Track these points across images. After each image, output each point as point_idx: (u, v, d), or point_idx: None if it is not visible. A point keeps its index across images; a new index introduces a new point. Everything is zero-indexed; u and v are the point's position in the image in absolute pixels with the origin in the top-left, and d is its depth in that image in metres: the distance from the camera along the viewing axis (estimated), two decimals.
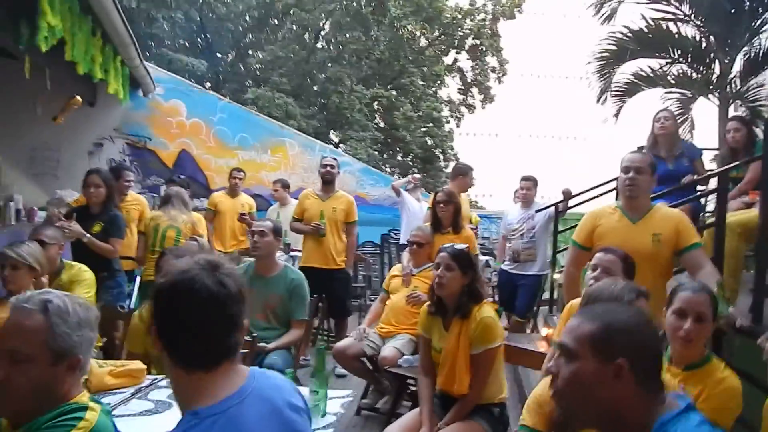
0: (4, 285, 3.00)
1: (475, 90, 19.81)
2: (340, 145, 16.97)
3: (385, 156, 18.76)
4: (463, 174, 5.80)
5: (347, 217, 5.36)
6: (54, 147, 7.39)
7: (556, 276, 5.59)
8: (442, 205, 4.51)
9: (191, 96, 7.90)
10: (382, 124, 18.30)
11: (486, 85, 19.49)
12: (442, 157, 18.74)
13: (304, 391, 2.11)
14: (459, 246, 2.83)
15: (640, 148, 4.56)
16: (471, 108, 19.96)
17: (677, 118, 4.63)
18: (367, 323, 4.31)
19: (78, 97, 6.15)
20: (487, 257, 6.51)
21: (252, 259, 4.02)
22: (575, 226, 6.16)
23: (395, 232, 8.29)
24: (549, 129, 33.27)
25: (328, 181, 5.35)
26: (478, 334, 2.61)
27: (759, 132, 4.35)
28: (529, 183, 5.76)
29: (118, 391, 2.37)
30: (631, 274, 2.53)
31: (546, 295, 6.07)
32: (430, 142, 17.80)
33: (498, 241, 6.25)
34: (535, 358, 3.09)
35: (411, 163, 18.99)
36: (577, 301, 2.58)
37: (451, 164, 19.35)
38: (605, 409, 1.24)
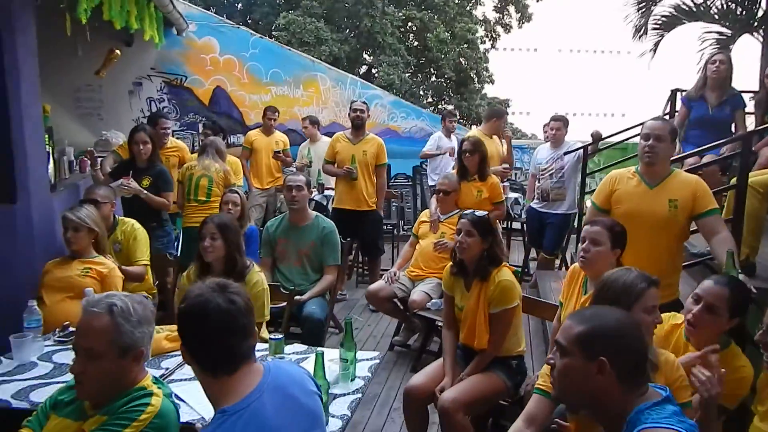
0: (68, 246, 3.32)
1: (512, 8, 19.06)
2: (372, 69, 16.79)
3: (418, 79, 18.49)
4: (497, 117, 5.86)
5: (377, 159, 5.53)
6: (96, 88, 7.62)
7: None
8: (468, 154, 4.63)
9: (223, 32, 7.94)
10: (415, 46, 17.92)
11: (523, 3, 18.71)
12: (476, 79, 18.36)
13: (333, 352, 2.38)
14: (479, 213, 2.99)
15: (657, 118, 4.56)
16: (507, 27, 19.29)
17: (731, 59, 4.50)
18: (397, 267, 4.56)
19: (117, 51, 6.32)
20: (516, 194, 6.62)
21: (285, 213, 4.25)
22: (603, 168, 6.27)
23: (427, 164, 8.44)
24: (590, 43, 31.96)
25: (358, 126, 5.49)
26: (497, 296, 2.82)
27: None
28: (559, 123, 5.78)
29: (174, 354, 2.64)
30: (620, 242, 2.62)
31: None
32: (464, 64, 17.40)
33: (528, 179, 6.35)
34: (548, 309, 3.29)
35: (445, 85, 18.71)
36: (577, 267, 2.75)
37: (487, 86, 19.02)
38: (589, 397, 1.48)
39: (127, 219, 3.99)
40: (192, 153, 5.69)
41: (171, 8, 6.03)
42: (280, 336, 2.63)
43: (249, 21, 17.70)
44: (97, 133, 7.12)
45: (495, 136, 5.81)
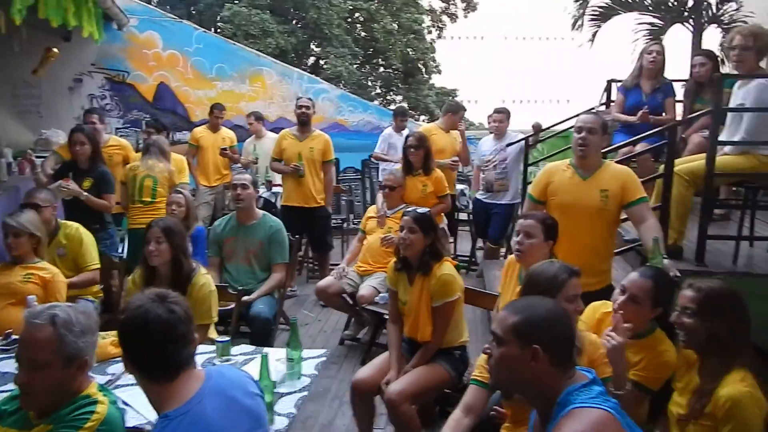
0: (9, 252, 3.26)
1: None
2: (321, 61, 16.71)
3: (366, 70, 18.51)
4: (452, 112, 5.96)
5: (324, 156, 5.56)
6: (35, 84, 7.37)
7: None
8: (412, 149, 4.72)
9: (166, 27, 7.79)
10: (362, 38, 17.92)
11: None
12: (424, 70, 18.52)
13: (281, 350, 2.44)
14: (421, 210, 3.08)
15: (590, 110, 4.78)
16: (453, 17, 19.50)
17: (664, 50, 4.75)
18: (345, 262, 4.62)
19: (55, 50, 6.15)
20: (462, 186, 6.77)
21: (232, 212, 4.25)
22: (547, 157, 6.48)
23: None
24: (535, 30, 32.55)
25: (303, 122, 5.50)
26: (438, 289, 2.92)
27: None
28: (502, 115, 5.95)
29: (120, 359, 2.64)
30: (553, 234, 2.78)
31: None
32: (412, 55, 17.52)
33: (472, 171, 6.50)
34: (490, 299, 3.42)
35: (393, 76, 18.80)
36: (513, 258, 2.89)
37: (434, 77, 19.20)
38: (524, 383, 1.59)
39: (70, 222, 3.92)
40: (137, 151, 5.59)
41: (110, 3, 5.89)
42: (227, 338, 2.67)
43: (193, 12, 17.33)
44: (37, 131, 6.93)
45: (452, 131, 5.93)
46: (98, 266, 3.84)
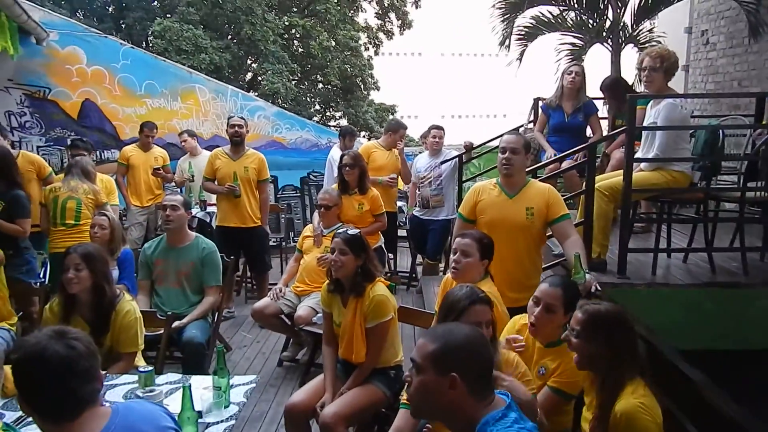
0: None
1: (392, 15, 19.54)
2: (258, 77, 16.54)
3: (304, 86, 18.45)
4: (393, 131, 6.01)
5: (259, 175, 5.46)
6: None
7: None
8: (348, 168, 4.72)
9: (89, 41, 7.49)
10: (299, 54, 17.87)
11: (403, 10, 19.24)
12: (362, 86, 18.62)
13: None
14: (352, 231, 3.06)
15: (517, 129, 4.96)
16: (389, 34, 19.74)
17: (584, 71, 4.98)
18: (282, 282, 4.55)
19: None
20: (400, 202, 6.81)
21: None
22: (483, 172, 6.60)
23: (314, 174, 8.46)
24: (471, 47, 33.32)
25: (237, 142, 5.40)
26: (371, 310, 2.91)
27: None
28: (440, 132, 6.04)
29: None
30: (488, 253, 2.85)
31: None
32: (350, 71, 17.59)
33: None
34: (424, 318, 3.43)
35: (332, 93, 18.81)
36: (449, 277, 2.92)
37: (373, 93, 19.33)
38: (443, 410, 1.57)
39: None
40: (60, 172, 5.33)
41: (25, 18, 5.61)
42: (150, 368, 2.56)
43: (123, 25, 16.88)
44: None
45: (394, 149, 5.96)
46: None
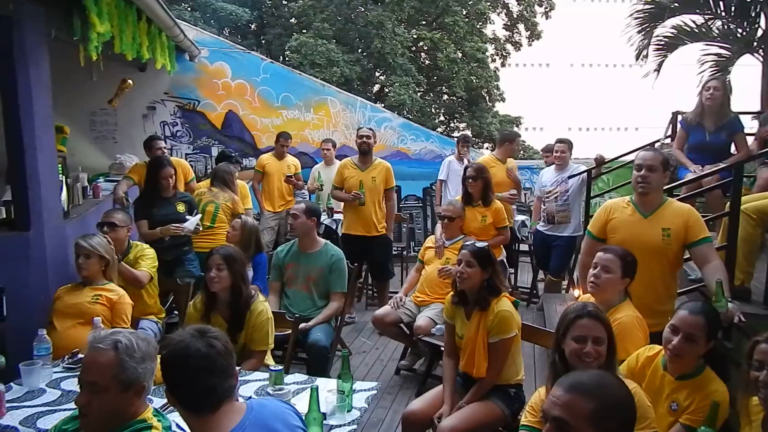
0: (79, 272, 3.42)
1: (521, 26, 19.21)
2: (385, 89, 16.92)
3: (429, 98, 18.60)
4: (509, 141, 5.93)
5: (386, 184, 5.60)
6: (111, 111, 7.79)
7: None
8: (471, 180, 4.69)
9: (235, 57, 8.10)
10: (426, 66, 18.06)
11: (533, 21, 18.86)
12: (488, 98, 18.45)
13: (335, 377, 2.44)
14: (479, 244, 3.04)
15: (653, 144, 4.60)
16: (517, 45, 19.43)
17: (726, 85, 4.54)
18: (403, 292, 4.60)
19: (130, 81, 6.49)
20: (523, 217, 6.65)
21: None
22: (613, 188, 6.29)
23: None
24: (602, 57, 31.86)
25: (364, 152, 5.56)
26: (495, 326, 2.86)
27: None
28: (564, 146, 5.84)
29: None
30: (631, 271, 2.71)
31: None
32: (475, 83, 17.50)
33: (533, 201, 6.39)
34: (549, 337, 3.30)
35: (456, 104, 18.81)
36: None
37: (498, 104, 19.10)
38: None
39: (138, 243, 4.11)
40: (204, 178, 5.78)
41: (182, 37, 6.20)
42: (280, 367, 2.69)
43: (262, 41, 17.99)
44: (112, 155, 7.29)
45: (509, 160, 5.88)
46: (150, 273, 3.92)
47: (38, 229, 3.59)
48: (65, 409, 2.43)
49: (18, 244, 3.54)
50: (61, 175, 3.99)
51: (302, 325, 3.63)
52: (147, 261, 3.96)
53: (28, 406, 2.50)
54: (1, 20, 3.27)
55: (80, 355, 2.89)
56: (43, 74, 3.64)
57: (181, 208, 4.69)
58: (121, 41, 4.25)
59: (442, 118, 19.64)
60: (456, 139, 7.43)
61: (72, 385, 2.68)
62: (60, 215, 3.92)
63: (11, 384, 2.70)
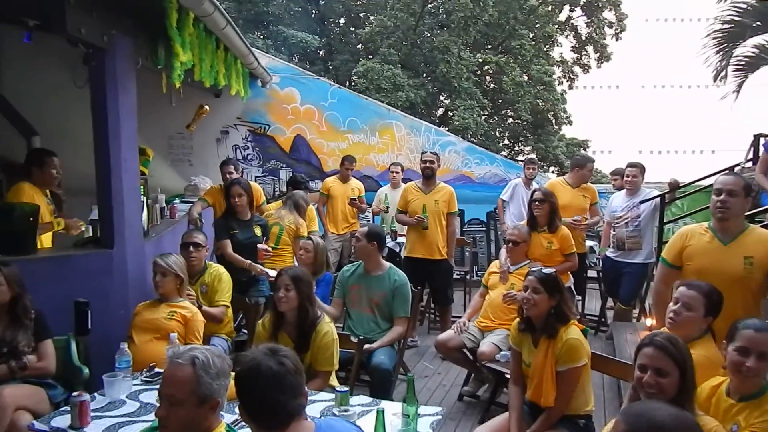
0: (156, 289, 3.59)
1: (590, 48, 18.91)
2: (449, 112, 16.98)
3: (494, 121, 18.52)
4: (578, 166, 5.81)
5: (449, 208, 5.62)
6: (187, 135, 8.18)
7: None
8: (537, 203, 4.62)
9: (304, 83, 8.37)
10: (491, 89, 18.02)
11: (602, 43, 18.53)
12: (554, 121, 18.20)
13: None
14: (546, 270, 3.00)
15: (733, 168, 4.40)
16: (586, 67, 19.11)
17: None
18: (467, 317, 4.56)
19: (207, 107, 6.83)
20: (592, 242, 6.49)
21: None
22: (689, 214, 6.06)
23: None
24: (674, 78, 30.86)
25: (428, 176, 5.61)
26: (564, 354, 2.81)
27: None
28: (636, 170, 5.68)
29: None
30: (715, 311, 2.57)
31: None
32: (541, 106, 17.32)
33: (602, 227, 6.22)
34: (619, 367, 3.20)
35: (521, 127, 18.65)
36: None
37: (565, 127, 18.78)
38: None
39: (214, 264, 4.28)
40: (272, 200, 5.96)
41: (256, 65, 6.48)
42: (346, 389, 2.72)
43: (330, 67, 18.47)
44: (187, 177, 7.63)
45: (584, 186, 5.77)
46: (226, 304, 4.10)
47: (121, 246, 3.80)
48: (143, 421, 2.54)
49: (102, 260, 3.75)
50: (142, 196, 4.22)
51: (366, 346, 3.67)
52: (223, 290, 4.12)
53: (110, 416, 2.63)
54: (96, 52, 3.52)
55: (157, 369, 3.03)
56: (130, 100, 3.89)
57: (258, 231, 4.86)
58: (200, 69, 4.49)
59: (506, 141, 19.50)
60: (522, 162, 7.38)
61: (149, 397, 2.81)
62: (140, 234, 4.14)
63: (95, 394, 2.85)
